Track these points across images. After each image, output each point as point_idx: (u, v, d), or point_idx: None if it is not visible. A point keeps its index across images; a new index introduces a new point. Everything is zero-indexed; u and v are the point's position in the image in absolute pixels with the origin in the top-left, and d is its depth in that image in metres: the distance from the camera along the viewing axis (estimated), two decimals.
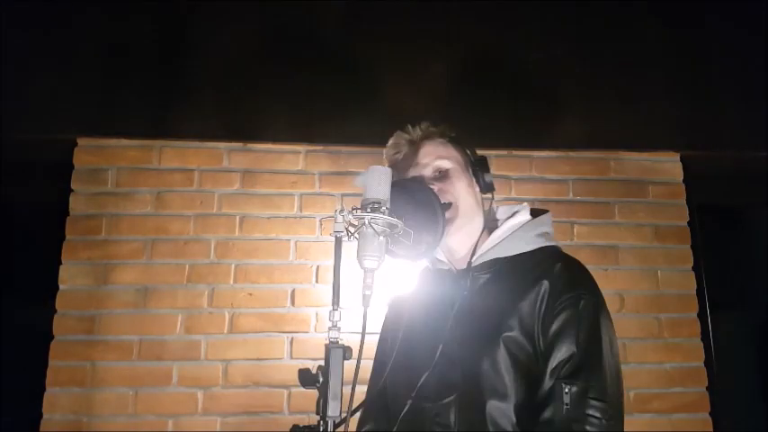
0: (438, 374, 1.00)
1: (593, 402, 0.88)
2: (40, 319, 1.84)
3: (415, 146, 1.13)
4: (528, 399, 0.92)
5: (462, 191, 1.08)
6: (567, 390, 0.88)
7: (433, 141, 1.13)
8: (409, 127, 1.15)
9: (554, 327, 0.94)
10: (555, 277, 0.98)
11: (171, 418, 1.79)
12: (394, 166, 1.14)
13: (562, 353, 0.92)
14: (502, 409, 0.93)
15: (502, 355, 0.95)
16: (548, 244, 1.08)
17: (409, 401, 0.99)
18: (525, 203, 1.15)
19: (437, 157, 1.10)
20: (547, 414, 0.88)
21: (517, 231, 1.07)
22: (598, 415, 0.87)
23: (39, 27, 2.01)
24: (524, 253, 1.05)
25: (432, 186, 1.05)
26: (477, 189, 1.13)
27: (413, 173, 1.11)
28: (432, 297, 1.11)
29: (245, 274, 1.93)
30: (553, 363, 0.92)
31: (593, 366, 0.91)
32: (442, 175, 1.09)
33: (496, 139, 2.05)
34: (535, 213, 1.13)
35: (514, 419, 0.92)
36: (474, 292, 1.04)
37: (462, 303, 1.03)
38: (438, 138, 1.14)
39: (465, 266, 1.07)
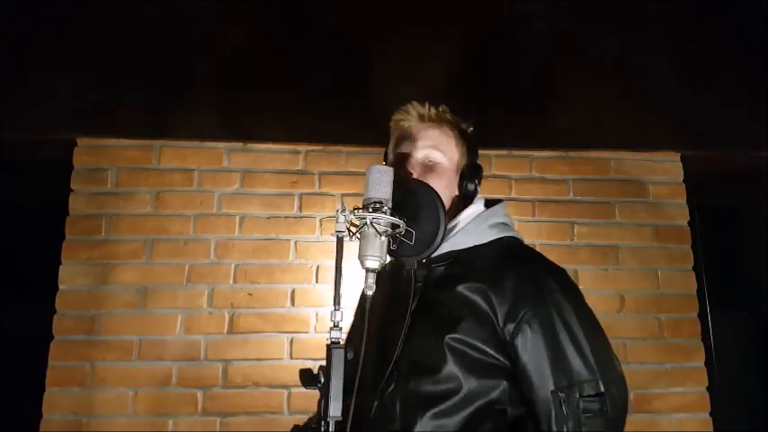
0: (384, 362, 0.96)
1: (587, 403, 0.88)
2: (39, 319, 1.84)
3: (422, 124, 1.11)
4: (481, 395, 0.91)
5: (438, 189, 1.03)
6: (562, 397, 0.88)
7: (441, 129, 1.11)
8: (427, 105, 1.13)
9: (528, 335, 0.91)
10: (514, 278, 0.96)
11: (171, 418, 1.79)
12: (394, 127, 1.14)
13: (547, 365, 0.90)
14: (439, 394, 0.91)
15: (449, 346, 0.93)
16: (504, 235, 1.06)
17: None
18: (481, 196, 1.12)
19: (434, 147, 1.09)
20: (551, 427, 0.88)
21: (469, 224, 1.06)
22: (593, 408, 0.87)
23: (38, 26, 2.00)
24: (480, 245, 1.03)
25: (412, 172, 1.05)
26: (456, 192, 1.09)
27: (406, 147, 1.10)
28: (391, 285, 1.07)
29: (245, 274, 1.93)
30: (538, 373, 0.90)
31: (578, 365, 0.90)
32: (428, 167, 1.08)
33: (496, 139, 2.05)
34: (489, 204, 1.11)
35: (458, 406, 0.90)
36: (429, 283, 1.02)
37: (417, 293, 1.01)
38: (447, 126, 1.12)
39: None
